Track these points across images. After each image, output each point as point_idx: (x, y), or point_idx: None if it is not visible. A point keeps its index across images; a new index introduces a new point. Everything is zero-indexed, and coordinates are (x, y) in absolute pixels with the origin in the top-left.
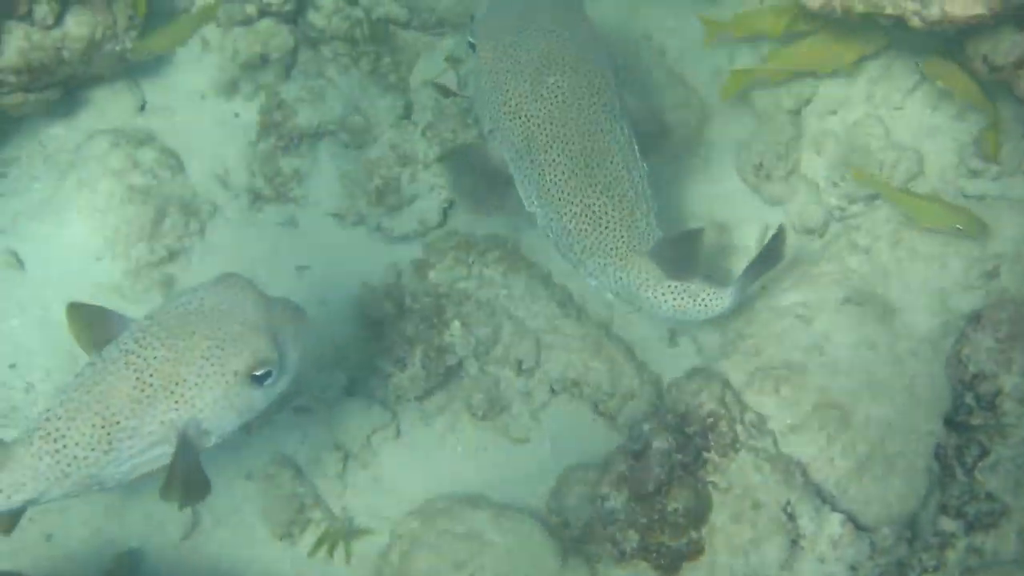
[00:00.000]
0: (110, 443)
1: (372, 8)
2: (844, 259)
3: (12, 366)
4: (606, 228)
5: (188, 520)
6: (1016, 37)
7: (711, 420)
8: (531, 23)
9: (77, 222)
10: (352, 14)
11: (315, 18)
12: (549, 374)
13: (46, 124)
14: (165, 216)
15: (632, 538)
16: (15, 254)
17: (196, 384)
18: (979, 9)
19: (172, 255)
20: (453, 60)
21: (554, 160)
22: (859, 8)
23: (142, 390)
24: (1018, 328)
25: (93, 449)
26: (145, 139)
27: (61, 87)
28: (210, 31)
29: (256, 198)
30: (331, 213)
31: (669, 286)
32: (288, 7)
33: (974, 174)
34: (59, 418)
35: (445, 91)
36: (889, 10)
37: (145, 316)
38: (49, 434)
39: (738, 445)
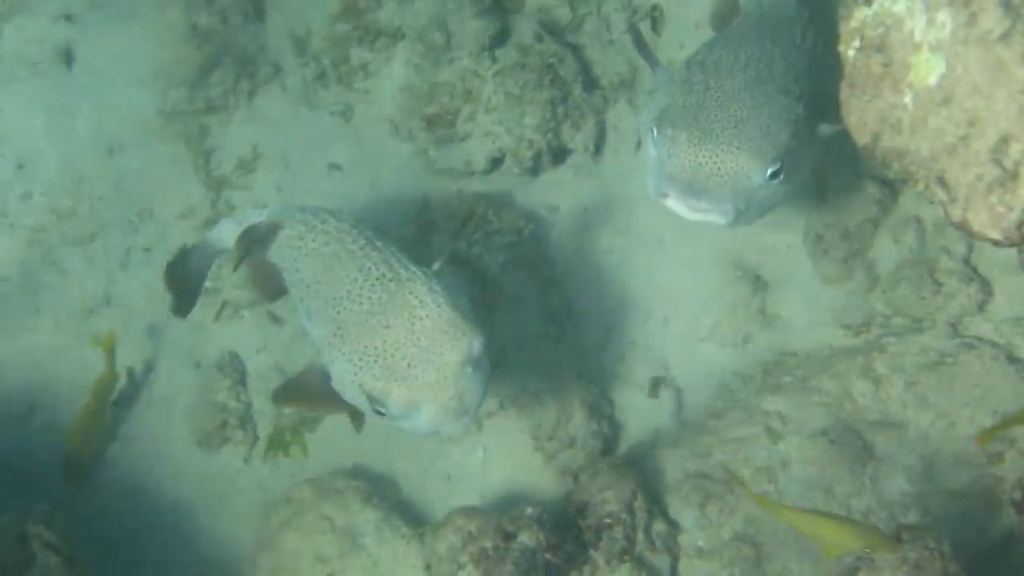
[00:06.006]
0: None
1: None
2: (850, 382)
3: (20, 167)
4: None
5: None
6: None
7: (608, 521)
8: None
9: (140, 40)
10: None
11: None
12: (503, 389)
13: None
14: (217, 67)
15: None
16: (68, 52)
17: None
18: (995, 235)
19: (210, 109)
20: None
21: None
22: (891, 174)
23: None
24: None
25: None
26: None
27: None
28: None
29: (322, 75)
30: (388, 119)
31: None
32: None
33: None
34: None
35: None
36: (920, 186)
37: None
38: (304, 282)
39: (626, 557)
